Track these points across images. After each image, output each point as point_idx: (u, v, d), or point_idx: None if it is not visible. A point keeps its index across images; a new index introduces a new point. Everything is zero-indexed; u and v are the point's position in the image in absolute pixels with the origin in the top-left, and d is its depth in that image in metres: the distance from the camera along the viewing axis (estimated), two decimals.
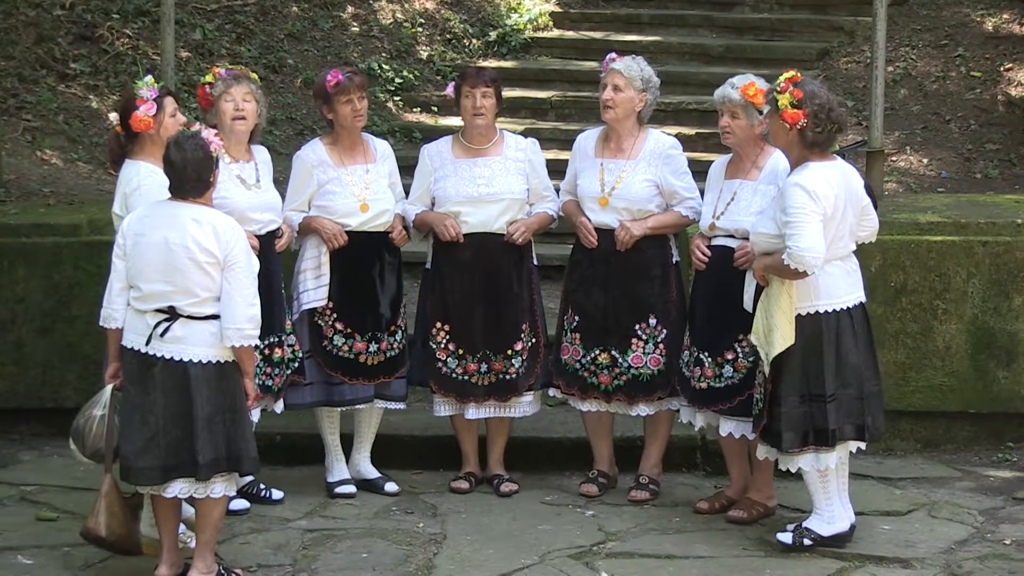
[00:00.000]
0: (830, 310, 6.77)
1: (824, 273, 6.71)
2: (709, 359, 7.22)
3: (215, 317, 6.19)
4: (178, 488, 6.26)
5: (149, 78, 6.86)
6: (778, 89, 6.73)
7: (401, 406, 7.74)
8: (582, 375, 7.53)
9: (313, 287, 7.47)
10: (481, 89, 7.53)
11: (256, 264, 6.34)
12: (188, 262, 6.17)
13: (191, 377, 6.19)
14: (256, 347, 6.43)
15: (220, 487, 6.31)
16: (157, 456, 6.20)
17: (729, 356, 7.17)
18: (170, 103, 6.80)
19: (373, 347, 7.53)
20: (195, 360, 6.20)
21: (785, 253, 6.57)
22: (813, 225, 6.57)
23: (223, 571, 6.43)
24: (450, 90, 7.71)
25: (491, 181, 7.56)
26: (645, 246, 7.42)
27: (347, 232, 7.44)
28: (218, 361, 6.22)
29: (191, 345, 6.19)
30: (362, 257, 7.50)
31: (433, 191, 7.63)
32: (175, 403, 6.19)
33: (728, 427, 7.24)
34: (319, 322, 7.50)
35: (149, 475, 6.25)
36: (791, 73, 6.81)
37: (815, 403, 6.73)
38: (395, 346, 7.58)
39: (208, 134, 6.29)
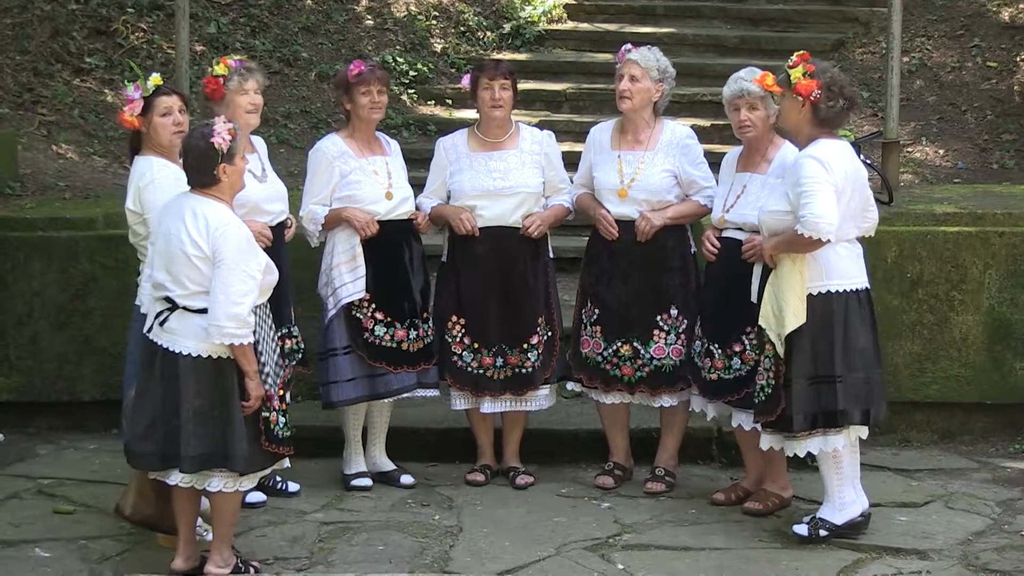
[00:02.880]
0: (840, 290, 6.76)
1: (834, 253, 6.71)
2: (719, 350, 7.22)
3: (206, 311, 6.19)
4: (178, 478, 6.28)
5: (155, 76, 6.86)
6: (791, 64, 6.73)
7: (435, 393, 7.73)
8: (604, 368, 7.52)
9: (351, 280, 7.45)
10: (500, 81, 7.52)
11: (256, 263, 6.23)
12: (180, 253, 6.19)
13: (180, 369, 6.20)
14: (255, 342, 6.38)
15: (217, 482, 6.28)
16: (156, 442, 6.24)
17: (737, 348, 7.17)
18: (162, 102, 6.72)
19: (412, 334, 7.52)
20: (185, 353, 6.21)
21: (798, 223, 6.56)
22: (826, 194, 6.57)
23: (240, 564, 6.44)
24: (466, 82, 7.68)
25: (507, 175, 7.55)
26: (665, 237, 7.42)
27: (377, 221, 7.43)
28: (210, 356, 6.20)
29: (183, 337, 6.21)
30: (393, 245, 7.49)
31: (449, 185, 7.62)
32: (170, 393, 6.22)
33: (740, 419, 7.25)
34: (357, 315, 7.47)
35: (149, 461, 6.30)
36: (801, 52, 6.82)
37: (824, 384, 6.72)
38: (430, 332, 7.58)
39: (219, 125, 6.25)
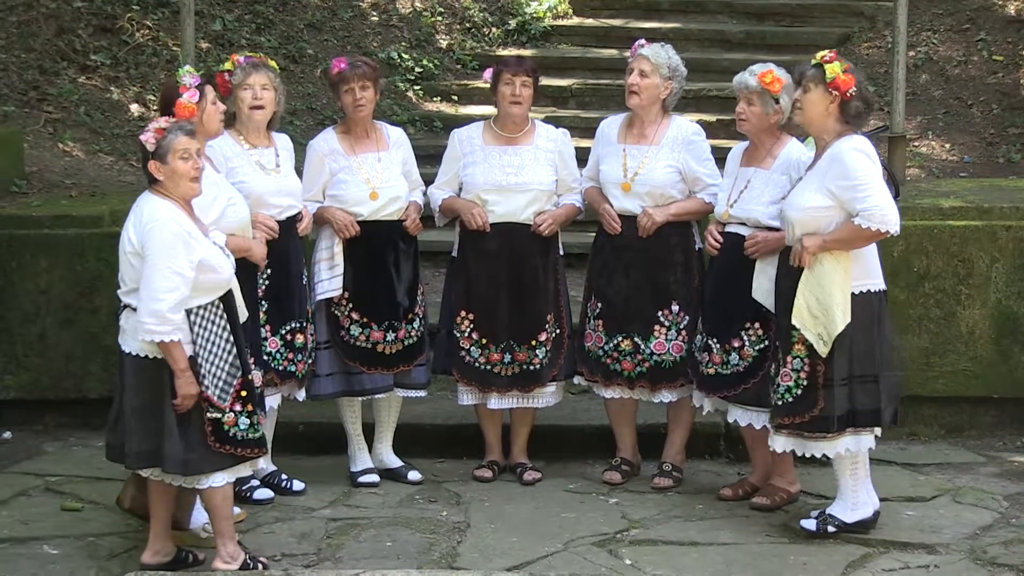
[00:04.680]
0: (876, 289, 6.75)
1: (870, 251, 6.70)
2: (717, 345, 7.22)
3: None
4: (148, 471, 6.33)
5: (188, 67, 6.91)
6: (826, 59, 6.68)
7: (422, 394, 7.75)
8: (605, 362, 7.53)
9: (327, 277, 7.47)
10: (522, 78, 7.52)
11: (187, 260, 6.11)
12: (122, 251, 6.24)
13: (125, 367, 6.25)
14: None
15: (171, 476, 6.32)
16: (120, 435, 6.31)
17: (736, 344, 7.16)
18: (210, 91, 6.85)
19: (391, 336, 7.52)
20: (125, 351, 6.25)
21: (859, 216, 6.52)
22: (882, 186, 6.57)
23: (249, 560, 6.44)
24: (487, 75, 7.67)
25: (520, 171, 7.55)
26: (667, 233, 7.41)
27: (360, 222, 7.43)
28: (147, 356, 6.20)
29: (128, 335, 6.24)
30: (376, 246, 7.49)
31: (461, 177, 7.62)
32: (121, 390, 6.30)
33: (735, 414, 7.25)
34: (336, 312, 7.50)
35: (115, 452, 6.37)
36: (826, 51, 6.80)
37: (858, 383, 6.69)
38: (413, 334, 7.59)
39: (152, 124, 6.28)
